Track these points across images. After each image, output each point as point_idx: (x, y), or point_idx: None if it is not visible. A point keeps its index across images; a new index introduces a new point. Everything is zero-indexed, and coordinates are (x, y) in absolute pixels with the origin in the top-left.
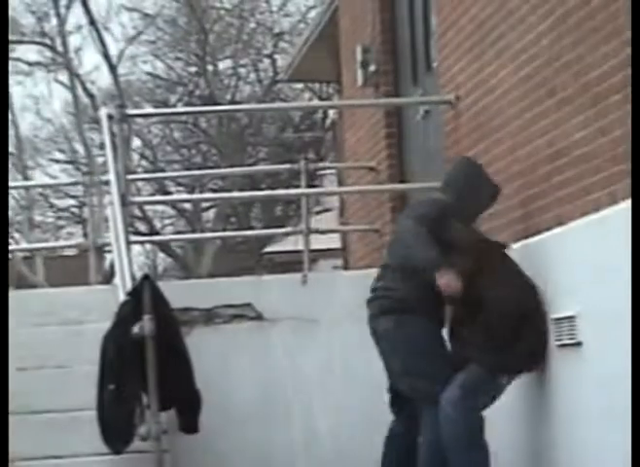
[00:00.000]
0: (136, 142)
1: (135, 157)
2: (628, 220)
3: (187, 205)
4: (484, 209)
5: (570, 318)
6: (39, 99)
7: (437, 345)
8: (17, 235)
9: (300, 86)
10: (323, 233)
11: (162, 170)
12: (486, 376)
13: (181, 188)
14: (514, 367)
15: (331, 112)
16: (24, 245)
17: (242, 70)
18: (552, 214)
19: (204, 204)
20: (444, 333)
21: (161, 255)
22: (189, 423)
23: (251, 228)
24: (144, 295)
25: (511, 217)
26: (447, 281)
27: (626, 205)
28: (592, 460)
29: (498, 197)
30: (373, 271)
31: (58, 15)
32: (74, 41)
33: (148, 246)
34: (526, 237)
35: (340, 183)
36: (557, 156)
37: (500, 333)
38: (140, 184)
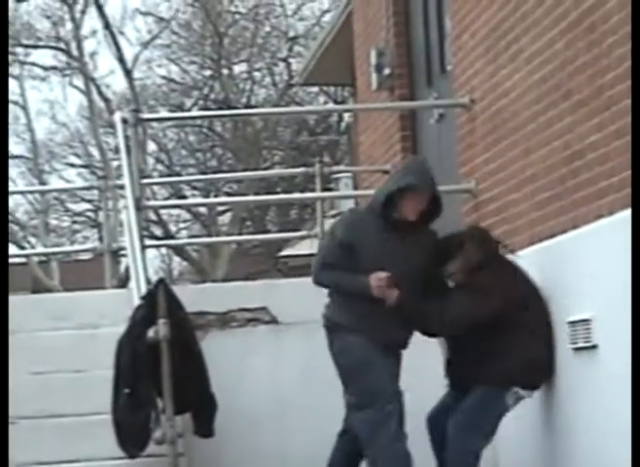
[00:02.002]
0: (151, 146)
1: (151, 161)
2: None
3: (202, 209)
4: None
5: (585, 321)
6: (54, 104)
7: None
8: (32, 240)
9: (315, 89)
10: None
11: (178, 174)
12: (490, 394)
13: (196, 192)
14: (515, 378)
15: (346, 115)
16: (40, 249)
17: (257, 74)
18: (567, 217)
19: (220, 208)
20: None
21: (177, 259)
22: (204, 427)
23: (266, 231)
24: (159, 299)
25: (526, 220)
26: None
27: None
28: (609, 462)
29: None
30: None
31: (73, 19)
32: (89, 45)
33: (163, 250)
34: (542, 240)
35: (355, 186)
36: (572, 158)
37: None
38: (155, 188)
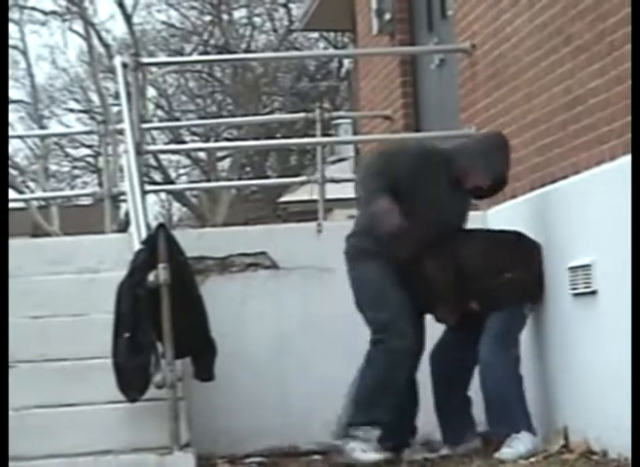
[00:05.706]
0: (151, 92)
1: (150, 106)
2: None
3: (202, 155)
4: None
5: (585, 267)
6: (54, 49)
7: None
8: (32, 185)
9: (315, 35)
10: (338, 182)
11: (177, 120)
12: (510, 315)
13: (196, 137)
14: (528, 296)
15: (346, 61)
16: (40, 194)
17: (257, 19)
18: (569, 162)
19: (219, 154)
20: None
21: (177, 204)
22: (204, 371)
23: (266, 177)
24: (159, 243)
25: (527, 165)
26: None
27: None
28: (607, 408)
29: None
30: None
31: None
32: None
33: (163, 195)
34: (542, 186)
35: (356, 132)
36: (573, 104)
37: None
38: (155, 133)
